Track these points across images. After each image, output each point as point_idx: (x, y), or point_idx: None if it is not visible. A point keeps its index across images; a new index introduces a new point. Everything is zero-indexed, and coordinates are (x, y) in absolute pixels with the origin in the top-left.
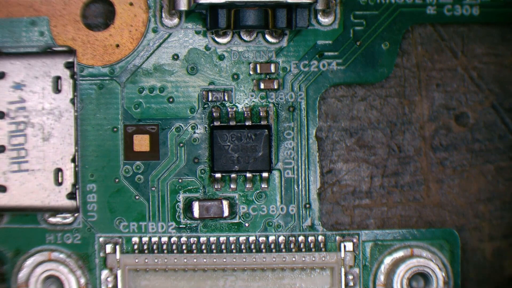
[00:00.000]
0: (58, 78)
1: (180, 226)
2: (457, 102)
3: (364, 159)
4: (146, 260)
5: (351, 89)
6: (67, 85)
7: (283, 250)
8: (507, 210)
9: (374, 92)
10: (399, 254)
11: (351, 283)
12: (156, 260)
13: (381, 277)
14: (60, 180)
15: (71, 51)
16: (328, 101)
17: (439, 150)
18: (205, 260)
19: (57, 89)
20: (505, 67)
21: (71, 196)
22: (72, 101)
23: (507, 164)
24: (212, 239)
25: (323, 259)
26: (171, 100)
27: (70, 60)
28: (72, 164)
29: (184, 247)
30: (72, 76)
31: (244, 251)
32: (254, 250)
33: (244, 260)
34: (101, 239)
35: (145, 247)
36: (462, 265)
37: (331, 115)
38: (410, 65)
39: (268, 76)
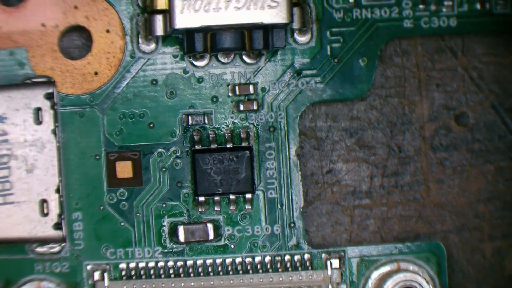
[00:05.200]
0: (38, 110)
1: (166, 250)
2: (457, 102)
3: (364, 159)
4: (134, 286)
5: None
6: (48, 116)
7: (270, 271)
8: (507, 210)
9: (374, 92)
10: (386, 268)
11: None
12: (144, 286)
13: None
14: (45, 211)
15: (50, 82)
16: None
17: (439, 150)
18: (192, 284)
19: (38, 121)
20: (505, 67)
21: (57, 226)
22: (54, 131)
23: (507, 164)
24: (198, 262)
25: (310, 277)
26: (151, 125)
27: (50, 91)
28: (57, 195)
29: (171, 271)
30: (53, 106)
31: (231, 273)
32: (241, 272)
33: (231, 282)
34: (89, 267)
35: (133, 272)
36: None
37: (331, 115)
38: (410, 65)
39: (247, 97)
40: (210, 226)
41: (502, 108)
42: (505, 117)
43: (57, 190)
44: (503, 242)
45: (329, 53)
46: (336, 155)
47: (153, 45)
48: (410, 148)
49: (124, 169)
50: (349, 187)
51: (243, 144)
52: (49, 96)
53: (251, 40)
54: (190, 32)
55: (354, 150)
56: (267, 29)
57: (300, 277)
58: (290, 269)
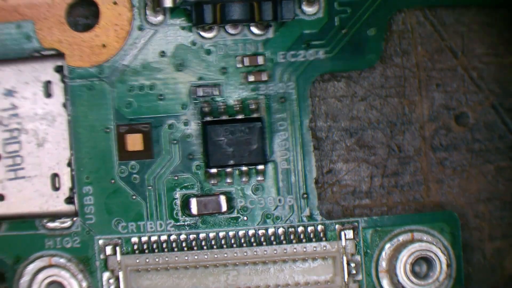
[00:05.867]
0: (48, 83)
1: (179, 223)
2: (457, 102)
3: (364, 159)
4: (147, 260)
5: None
6: (58, 89)
7: (284, 242)
8: (507, 210)
9: (374, 92)
10: (400, 239)
11: (354, 271)
12: (157, 259)
13: (383, 264)
14: (57, 185)
15: (59, 55)
16: (328, 101)
17: (439, 150)
18: (206, 257)
19: (48, 94)
20: (505, 67)
21: (69, 200)
22: (64, 105)
23: (507, 164)
24: (211, 234)
25: (324, 248)
26: (161, 97)
27: (59, 63)
28: (68, 169)
29: (184, 244)
30: (63, 79)
31: (244, 245)
32: (254, 244)
33: (245, 254)
34: (100, 241)
35: (145, 246)
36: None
37: (331, 115)
38: (410, 65)
39: (256, 68)
40: (222, 198)
41: (502, 108)
42: (505, 117)
43: (69, 164)
44: (503, 242)
45: (337, 23)
46: (336, 155)
47: (160, 17)
48: (410, 148)
49: (135, 141)
50: (349, 187)
51: (254, 115)
52: (59, 69)
53: (260, 11)
54: (199, 4)
55: (354, 150)
56: (276, 1)
57: (314, 248)
58: (304, 240)
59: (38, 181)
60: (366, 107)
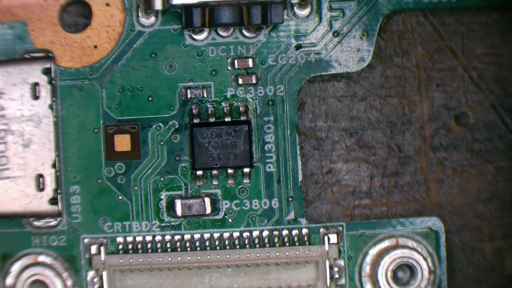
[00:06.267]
0: (36, 84)
1: (164, 224)
2: (457, 102)
3: (364, 159)
4: (131, 260)
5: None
6: (45, 91)
7: (267, 245)
8: (507, 210)
9: (374, 92)
10: (384, 244)
11: (337, 275)
12: (140, 260)
13: (367, 268)
14: (41, 186)
15: (48, 57)
16: (328, 101)
17: (439, 150)
18: (189, 258)
19: (35, 96)
20: (505, 67)
21: (53, 201)
22: (51, 106)
23: (507, 164)
24: (196, 236)
25: (307, 252)
26: (150, 99)
27: (47, 66)
28: (53, 170)
29: (168, 245)
30: (50, 81)
31: (228, 247)
32: (238, 246)
33: (228, 257)
34: (86, 240)
35: (130, 246)
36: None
37: (331, 115)
38: (410, 65)
39: (246, 71)
40: (207, 201)
41: (502, 108)
42: (505, 117)
43: (53, 165)
44: (503, 242)
45: (328, 27)
46: (336, 155)
47: (152, 19)
48: (410, 148)
49: (123, 142)
50: (349, 187)
51: (242, 118)
52: (47, 71)
53: (249, 15)
54: (188, 7)
55: (354, 150)
56: (265, 5)
57: (297, 252)
58: (287, 244)
59: (23, 181)
60: (366, 107)
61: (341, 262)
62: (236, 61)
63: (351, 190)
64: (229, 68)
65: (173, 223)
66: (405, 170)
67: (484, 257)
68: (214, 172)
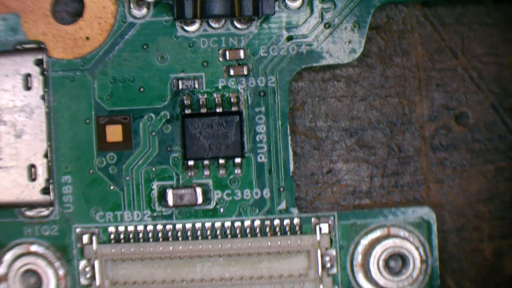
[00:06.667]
0: (28, 75)
1: (155, 214)
2: (457, 102)
3: (364, 159)
4: (123, 250)
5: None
6: (37, 82)
7: (259, 235)
8: (507, 210)
9: (374, 92)
10: (376, 234)
11: (328, 265)
12: (132, 250)
13: (359, 258)
14: (33, 176)
15: (40, 48)
16: (328, 101)
17: (439, 150)
18: (180, 248)
19: (27, 86)
20: (505, 67)
21: (45, 191)
22: (43, 97)
23: (507, 164)
24: (187, 225)
25: (298, 242)
26: (142, 90)
27: (40, 57)
28: (45, 160)
29: (160, 235)
30: (42, 73)
31: (219, 236)
32: (229, 236)
33: (219, 246)
34: (77, 230)
35: (122, 236)
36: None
37: (331, 115)
38: (410, 65)
39: (237, 62)
40: (199, 190)
41: (502, 108)
42: (505, 117)
43: (45, 155)
44: (503, 242)
45: (320, 18)
46: (336, 155)
47: (144, 11)
48: (410, 148)
49: (114, 133)
50: (349, 187)
51: (234, 109)
52: (39, 62)
53: (240, 7)
54: None
55: (354, 150)
56: None
57: (289, 242)
58: (279, 233)
59: (15, 171)
60: (366, 107)
61: (333, 252)
62: (227, 52)
63: (351, 190)
64: (220, 59)
65: (164, 213)
66: (405, 170)
67: (484, 257)
68: (206, 162)
